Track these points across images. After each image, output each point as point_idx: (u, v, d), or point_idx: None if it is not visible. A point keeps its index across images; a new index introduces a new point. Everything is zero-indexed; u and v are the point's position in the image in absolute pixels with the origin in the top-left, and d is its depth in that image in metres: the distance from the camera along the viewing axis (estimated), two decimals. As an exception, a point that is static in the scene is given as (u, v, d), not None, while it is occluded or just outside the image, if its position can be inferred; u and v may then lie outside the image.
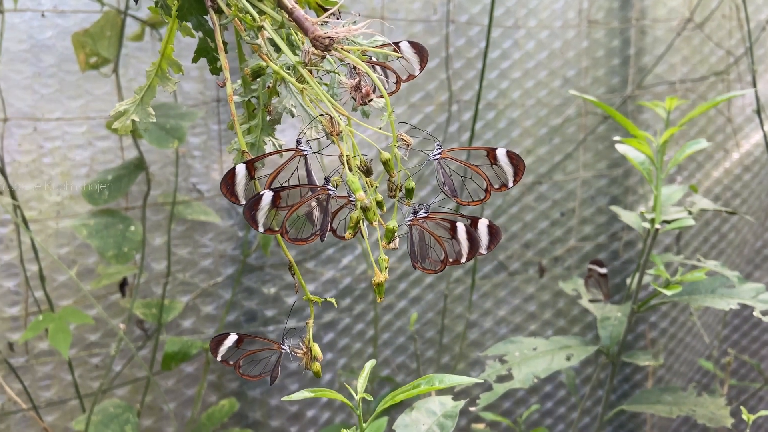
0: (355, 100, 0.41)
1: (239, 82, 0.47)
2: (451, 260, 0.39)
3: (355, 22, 0.40)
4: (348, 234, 0.41)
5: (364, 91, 0.40)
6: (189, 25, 0.42)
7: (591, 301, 0.78)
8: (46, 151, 0.98)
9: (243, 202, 0.40)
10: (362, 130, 0.41)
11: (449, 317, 1.22)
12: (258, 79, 0.44)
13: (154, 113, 0.49)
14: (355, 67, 0.40)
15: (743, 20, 1.32)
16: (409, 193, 0.42)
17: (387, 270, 0.42)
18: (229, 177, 0.39)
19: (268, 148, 0.47)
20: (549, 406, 1.32)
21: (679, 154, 0.69)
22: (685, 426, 1.39)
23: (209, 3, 0.39)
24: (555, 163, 1.28)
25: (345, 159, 0.38)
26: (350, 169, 0.39)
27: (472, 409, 0.64)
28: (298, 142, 0.41)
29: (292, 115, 0.47)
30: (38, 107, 0.96)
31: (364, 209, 0.38)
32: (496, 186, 0.41)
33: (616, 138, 0.65)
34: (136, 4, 0.40)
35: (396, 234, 0.40)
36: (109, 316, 1.01)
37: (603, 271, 0.77)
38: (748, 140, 1.40)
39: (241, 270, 1.06)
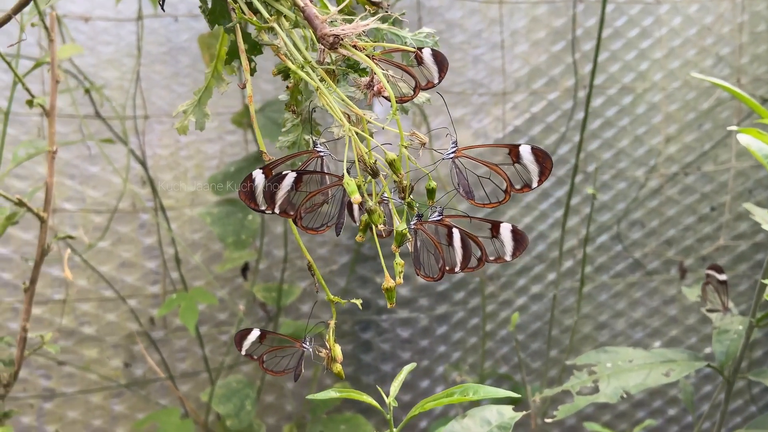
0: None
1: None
2: (447, 268, 0.37)
3: (364, 17, 0.38)
4: (359, 237, 0.40)
5: (375, 88, 0.38)
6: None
7: (709, 311, 0.69)
8: (182, 145, 1.07)
9: (263, 208, 0.39)
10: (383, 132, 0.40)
11: (576, 317, 1.15)
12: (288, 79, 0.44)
13: (209, 113, 0.51)
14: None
15: None
16: (431, 194, 0.40)
17: (401, 275, 0.40)
18: (248, 183, 0.39)
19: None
20: (689, 420, 1.20)
21: (814, 145, 0.58)
22: None
23: (231, 6, 0.40)
24: (704, 152, 1.15)
25: (352, 160, 0.37)
26: (366, 170, 0.38)
27: (548, 420, 0.60)
28: (315, 144, 0.41)
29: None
30: (175, 105, 1.05)
31: (369, 212, 0.37)
32: (518, 186, 0.37)
33: (732, 127, 0.57)
34: (162, 9, 0.42)
35: (407, 238, 0.38)
36: (236, 297, 1.09)
37: (722, 277, 0.68)
38: None
39: (354, 259, 1.09)
